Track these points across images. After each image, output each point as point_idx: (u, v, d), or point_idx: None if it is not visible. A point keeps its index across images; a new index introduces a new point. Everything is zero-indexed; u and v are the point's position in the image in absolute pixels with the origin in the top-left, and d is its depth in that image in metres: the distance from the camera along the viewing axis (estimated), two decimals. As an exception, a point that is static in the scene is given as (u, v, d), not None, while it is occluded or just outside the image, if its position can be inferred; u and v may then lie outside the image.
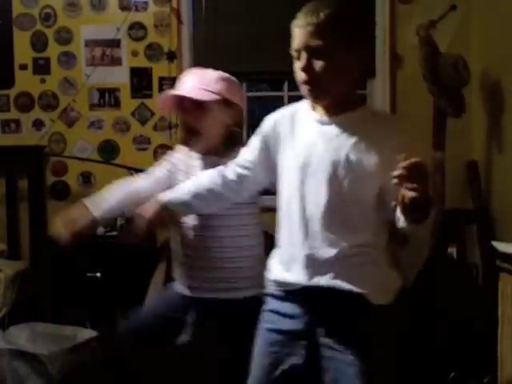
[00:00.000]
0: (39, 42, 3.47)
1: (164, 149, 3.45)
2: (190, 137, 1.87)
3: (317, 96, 1.50)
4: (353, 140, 1.48)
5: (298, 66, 1.49)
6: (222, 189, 1.70)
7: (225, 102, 1.85)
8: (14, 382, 2.55)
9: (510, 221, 2.81)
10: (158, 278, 2.99)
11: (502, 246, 2.10)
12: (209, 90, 1.83)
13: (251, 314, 1.66)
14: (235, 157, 1.73)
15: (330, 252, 1.49)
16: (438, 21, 3.04)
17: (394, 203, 1.40)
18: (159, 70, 3.45)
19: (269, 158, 1.63)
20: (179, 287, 1.94)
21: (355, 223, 1.51)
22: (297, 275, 1.53)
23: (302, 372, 1.54)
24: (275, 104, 1.75)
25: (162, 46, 3.44)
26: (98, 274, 3.00)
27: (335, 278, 1.49)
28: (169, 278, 2.95)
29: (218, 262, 1.85)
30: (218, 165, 1.76)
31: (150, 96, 3.46)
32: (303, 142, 1.54)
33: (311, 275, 1.51)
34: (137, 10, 3.43)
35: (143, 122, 3.48)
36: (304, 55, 1.45)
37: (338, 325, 1.50)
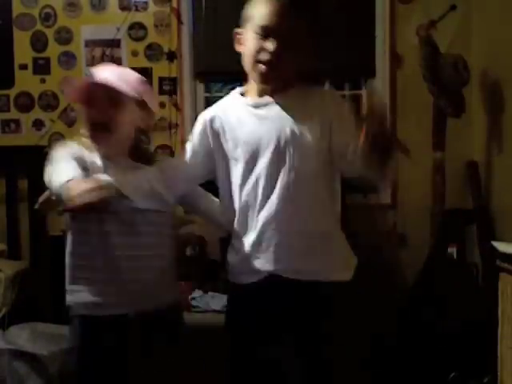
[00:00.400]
0: (39, 42, 3.47)
1: (164, 149, 3.46)
2: (98, 133, 1.73)
3: (273, 77, 1.54)
4: (293, 115, 1.53)
5: (259, 42, 1.52)
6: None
7: (140, 104, 1.76)
8: (14, 382, 2.55)
9: (510, 221, 2.81)
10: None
11: (502, 246, 2.10)
12: (130, 86, 1.71)
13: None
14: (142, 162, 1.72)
15: (283, 241, 1.53)
16: (438, 21, 3.04)
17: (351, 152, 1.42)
18: (159, 69, 3.45)
19: (209, 159, 1.66)
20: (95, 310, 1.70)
21: (307, 206, 1.53)
22: (252, 268, 1.58)
23: (273, 357, 1.60)
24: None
25: (162, 45, 3.44)
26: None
27: (290, 266, 1.54)
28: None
29: (133, 272, 1.70)
30: (126, 165, 1.71)
31: (150, 96, 3.46)
32: (244, 132, 1.58)
33: (265, 265, 1.55)
34: (137, 9, 3.43)
35: (143, 122, 3.48)
36: (275, 38, 1.50)
37: (301, 310, 1.55)
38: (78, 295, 1.72)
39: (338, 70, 3.42)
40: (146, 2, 3.43)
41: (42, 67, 3.48)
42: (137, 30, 3.44)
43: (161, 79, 3.44)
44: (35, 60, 3.47)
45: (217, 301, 2.73)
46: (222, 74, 3.49)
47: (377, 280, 2.88)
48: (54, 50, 3.46)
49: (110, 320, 1.69)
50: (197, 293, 2.79)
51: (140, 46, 3.45)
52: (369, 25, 3.40)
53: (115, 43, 3.44)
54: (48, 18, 3.46)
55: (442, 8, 3.12)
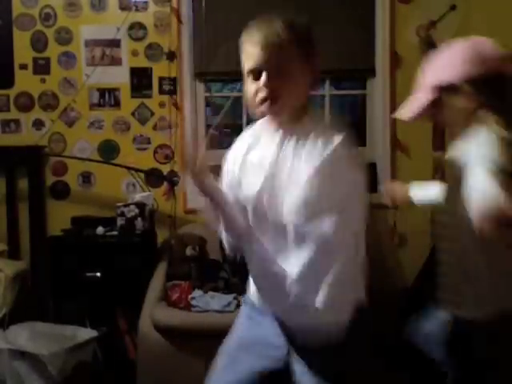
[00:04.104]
0: (39, 42, 3.47)
1: (164, 148, 3.47)
2: None
3: (277, 111, 1.44)
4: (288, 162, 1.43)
5: (254, 84, 1.42)
6: None
7: None
8: (14, 382, 2.55)
9: (510, 221, 2.80)
10: (158, 278, 2.99)
11: (501, 246, 2.09)
12: None
13: None
14: None
15: None
16: (438, 21, 3.04)
17: None
18: (159, 69, 3.45)
19: None
20: None
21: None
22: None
23: (275, 376, 1.55)
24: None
25: (162, 46, 3.44)
26: (98, 274, 3.00)
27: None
28: (169, 278, 2.95)
29: None
30: None
31: (149, 96, 3.46)
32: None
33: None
34: (137, 9, 3.43)
35: (143, 122, 3.48)
36: (265, 73, 1.39)
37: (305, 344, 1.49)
38: None
39: (337, 70, 3.43)
40: (146, 2, 3.43)
41: (41, 67, 3.47)
42: (137, 30, 3.45)
43: (161, 79, 3.45)
44: (35, 60, 3.47)
45: (217, 301, 2.73)
46: (221, 74, 3.50)
47: (377, 280, 2.87)
48: (54, 50, 3.46)
49: None
50: (197, 293, 2.79)
51: (140, 46, 3.45)
52: (369, 25, 3.41)
53: (115, 43, 3.44)
54: (48, 18, 3.46)
55: (442, 8, 3.12)
